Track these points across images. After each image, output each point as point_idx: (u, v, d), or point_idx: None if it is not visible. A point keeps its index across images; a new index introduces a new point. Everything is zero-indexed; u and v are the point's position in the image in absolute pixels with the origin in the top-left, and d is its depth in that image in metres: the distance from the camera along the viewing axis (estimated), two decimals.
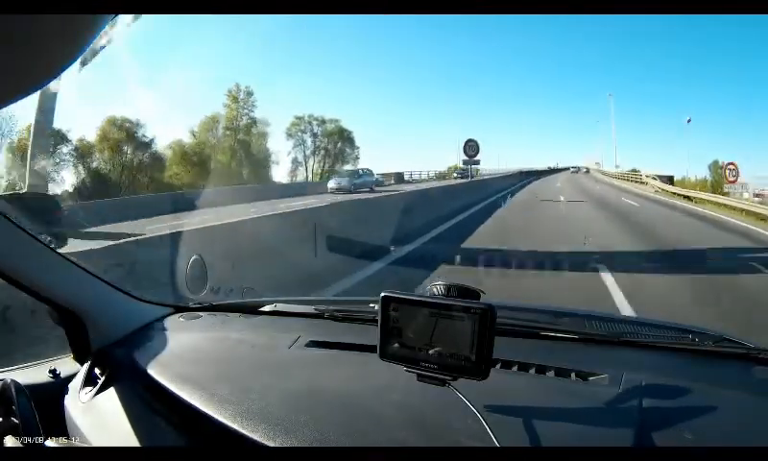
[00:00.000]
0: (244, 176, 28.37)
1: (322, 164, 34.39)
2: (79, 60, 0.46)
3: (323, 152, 34.36)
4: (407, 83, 57.12)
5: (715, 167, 26.39)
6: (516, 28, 59.23)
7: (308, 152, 33.84)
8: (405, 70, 57.41)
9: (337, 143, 34.81)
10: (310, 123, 34.55)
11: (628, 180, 27.23)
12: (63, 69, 0.45)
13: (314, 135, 34.62)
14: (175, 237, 3.73)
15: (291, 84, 47.67)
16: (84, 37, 0.42)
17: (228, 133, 29.24)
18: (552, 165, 46.74)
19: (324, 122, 34.89)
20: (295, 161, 34.13)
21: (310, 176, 32.95)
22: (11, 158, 19.30)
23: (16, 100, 0.48)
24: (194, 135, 28.43)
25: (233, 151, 29.13)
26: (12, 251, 0.93)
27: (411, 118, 56.46)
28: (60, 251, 1.07)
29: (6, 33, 0.37)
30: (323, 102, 61.65)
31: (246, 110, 30.08)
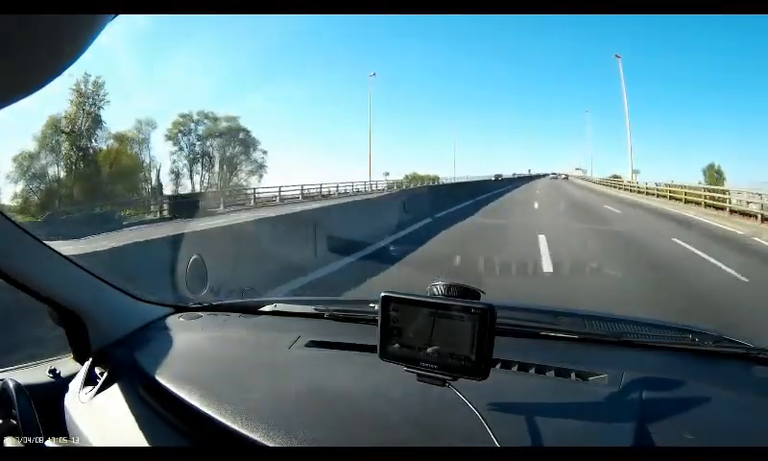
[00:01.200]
0: (75, 195, 20.31)
1: (210, 175, 25.51)
2: None
3: (205, 158, 25.40)
4: (345, 85, 52.55)
5: (710, 171, 25.83)
6: (479, 26, 55.17)
7: (192, 159, 25.07)
8: (346, 71, 53.06)
9: (225, 146, 25.68)
10: (198, 122, 25.47)
11: (675, 198, 14.54)
12: (63, 69, 0.45)
13: (200, 138, 25.40)
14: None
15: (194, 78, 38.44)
16: (84, 37, 0.42)
17: (66, 137, 20.82)
18: (523, 172, 40.48)
19: (216, 120, 25.68)
20: (175, 172, 25.08)
21: (198, 190, 24.58)
22: None
23: (17, 100, 0.48)
24: (37, 141, 20.42)
25: (71, 162, 20.97)
26: (12, 251, 0.93)
27: (325, 124, 51.28)
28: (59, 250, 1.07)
29: (6, 33, 0.38)
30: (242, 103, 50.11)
31: (93, 108, 21.39)
